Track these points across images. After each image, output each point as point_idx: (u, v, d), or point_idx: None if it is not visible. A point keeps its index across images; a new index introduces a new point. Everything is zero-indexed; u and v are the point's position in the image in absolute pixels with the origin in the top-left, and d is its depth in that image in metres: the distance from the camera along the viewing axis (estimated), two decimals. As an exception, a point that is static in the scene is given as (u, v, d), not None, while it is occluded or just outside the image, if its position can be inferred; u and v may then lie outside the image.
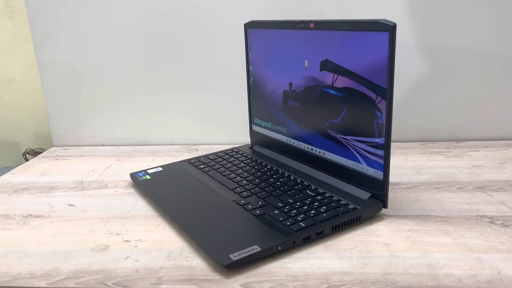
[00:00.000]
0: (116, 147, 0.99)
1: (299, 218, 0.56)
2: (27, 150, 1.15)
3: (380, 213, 0.60)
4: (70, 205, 0.70)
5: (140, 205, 0.68)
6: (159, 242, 0.57)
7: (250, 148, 0.88)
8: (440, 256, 0.50)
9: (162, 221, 0.62)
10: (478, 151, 0.84)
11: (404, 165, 0.78)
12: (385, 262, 0.49)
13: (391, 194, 0.67)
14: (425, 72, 0.87)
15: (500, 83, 0.86)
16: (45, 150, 1.03)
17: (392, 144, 0.90)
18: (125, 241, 0.58)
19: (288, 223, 0.55)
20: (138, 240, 0.57)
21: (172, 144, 1.00)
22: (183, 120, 0.97)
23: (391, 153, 0.84)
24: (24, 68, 1.12)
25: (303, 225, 0.55)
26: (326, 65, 0.65)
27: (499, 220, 0.57)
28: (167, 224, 0.61)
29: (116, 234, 0.59)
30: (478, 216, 0.59)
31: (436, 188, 0.68)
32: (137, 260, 0.53)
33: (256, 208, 0.60)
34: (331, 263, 0.50)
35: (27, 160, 1.12)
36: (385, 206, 0.59)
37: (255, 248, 0.50)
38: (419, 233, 0.55)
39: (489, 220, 0.57)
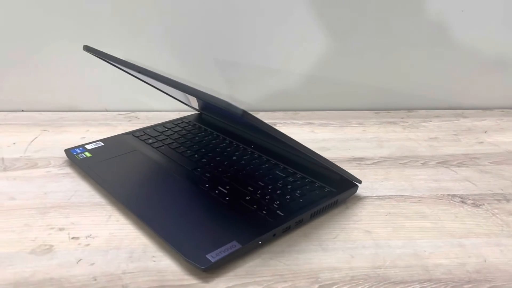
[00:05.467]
0: (39, 114, 0.85)
1: (274, 205, 0.51)
2: None
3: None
4: (-8, 191, 0.58)
5: (82, 190, 0.58)
6: (116, 238, 0.49)
7: (200, 114, 0.81)
8: (424, 243, 0.48)
9: (114, 210, 0.54)
10: (430, 121, 0.84)
11: (364, 137, 0.76)
12: (372, 254, 0.47)
13: (358, 171, 0.64)
14: (374, 43, 0.85)
15: (448, 57, 0.87)
16: None
17: (348, 112, 0.89)
18: (72, 238, 0.49)
19: (264, 212, 0.50)
20: (89, 237, 0.49)
21: (107, 111, 0.88)
22: (120, 81, 0.86)
23: (348, 122, 0.83)
24: None
25: (281, 213, 0.50)
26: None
27: (469, 199, 0.57)
28: (120, 213, 0.53)
29: (60, 229, 0.50)
30: (448, 195, 0.58)
31: (401, 163, 0.67)
32: (93, 264, 0.45)
33: (224, 193, 0.54)
34: (316, 256, 0.46)
35: None
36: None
37: (234, 245, 0.45)
38: (398, 217, 0.53)
39: (460, 199, 0.57)
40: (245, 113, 0.40)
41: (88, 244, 0.48)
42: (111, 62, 0.60)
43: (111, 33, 0.81)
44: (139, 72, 0.52)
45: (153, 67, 0.51)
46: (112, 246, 0.47)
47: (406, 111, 0.90)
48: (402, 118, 0.86)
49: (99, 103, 0.88)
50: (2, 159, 0.67)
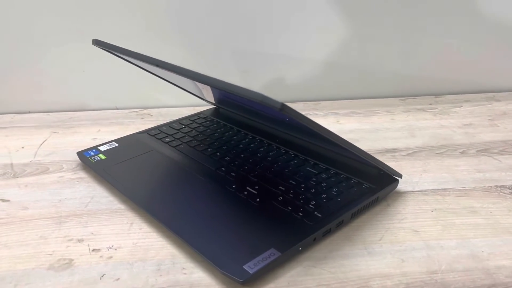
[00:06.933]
0: (47, 114, 0.81)
1: (311, 205, 0.47)
2: None
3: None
4: (3, 200, 0.54)
5: (99, 196, 0.54)
6: (140, 249, 0.44)
7: (217, 108, 0.76)
8: (480, 242, 0.44)
9: (135, 217, 0.50)
10: (461, 106, 0.79)
11: (394, 126, 0.72)
12: (424, 257, 0.42)
13: (394, 163, 0.60)
14: (398, 27, 0.79)
15: (474, 36, 0.81)
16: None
17: (372, 100, 0.84)
18: (93, 250, 0.44)
19: (301, 214, 0.46)
20: (111, 248, 0.45)
21: (117, 109, 0.83)
22: (129, 77, 0.81)
23: (374, 111, 0.78)
24: None
25: (319, 215, 0.46)
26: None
27: (520, 190, 0.53)
28: (142, 220, 0.49)
29: (79, 241, 0.46)
30: (496, 186, 0.54)
31: (438, 153, 0.62)
32: (118, 279, 0.41)
33: (253, 194, 0.50)
34: (363, 262, 0.42)
35: None
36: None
37: (273, 254, 0.41)
38: (445, 214, 0.49)
39: (510, 191, 0.52)
40: (284, 106, 0.35)
41: (111, 257, 0.43)
42: (122, 56, 0.55)
43: (119, 26, 0.77)
44: (156, 65, 0.47)
45: (165, 59, 0.47)
46: (137, 257, 0.43)
47: (434, 96, 0.84)
48: (431, 104, 0.81)
49: (109, 100, 0.83)
50: (11, 164, 0.62)
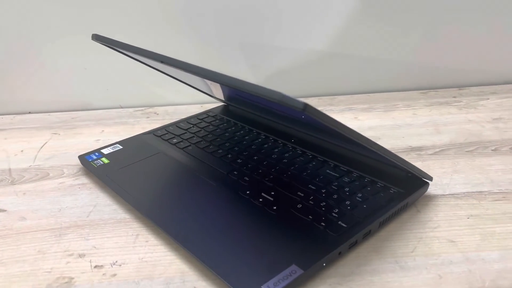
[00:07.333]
0: (48, 115, 0.77)
1: (333, 214, 0.42)
2: None
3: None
4: (-1, 210, 0.50)
5: (102, 204, 0.50)
6: (147, 265, 0.40)
7: (226, 106, 0.72)
8: (527, 254, 0.39)
9: (141, 228, 0.46)
10: (488, 99, 0.74)
11: (417, 122, 0.67)
12: (464, 272, 0.38)
13: (420, 164, 0.55)
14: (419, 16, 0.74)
15: (499, 21, 0.76)
16: None
17: (391, 94, 0.79)
18: (95, 267, 0.40)
19: (323, 224, 0.41)
20: (115, 264, 0.41)
21: (121, 108, 0.79)
22: (133, 74, 0.77)
23: (395, 106, 0.73)
24: None
25: (344, 225, 0.41)
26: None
27: None
28: (148, 232, 0.45)
29: (80, 256, 0.42)
30: (537, 188, 0.49)
31: (468, 151, 0.57)
32: (122, 301, 0.37)
33: (269, 201, 0.45)
34: (395, 278, 0.37)
35: None
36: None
37: (294, 271, 0.36)
38: (483, 221, 0.44)
39: (554, 194, 0.48)
40: (307, 106, 0.30)
41: (115, 274, 0.39)
42: (124, 52, 0.51)
43: (121, 21, 0.72)
44: (160, 61, 0.43)
45: (171, 55, 0.42)
46: (144, 275, 0.39)
47: (457, 88, 0.79)
48: (455, 97, 0.76)
49: (112, 99, 0.79)
50: (9, 170, 0.59)
